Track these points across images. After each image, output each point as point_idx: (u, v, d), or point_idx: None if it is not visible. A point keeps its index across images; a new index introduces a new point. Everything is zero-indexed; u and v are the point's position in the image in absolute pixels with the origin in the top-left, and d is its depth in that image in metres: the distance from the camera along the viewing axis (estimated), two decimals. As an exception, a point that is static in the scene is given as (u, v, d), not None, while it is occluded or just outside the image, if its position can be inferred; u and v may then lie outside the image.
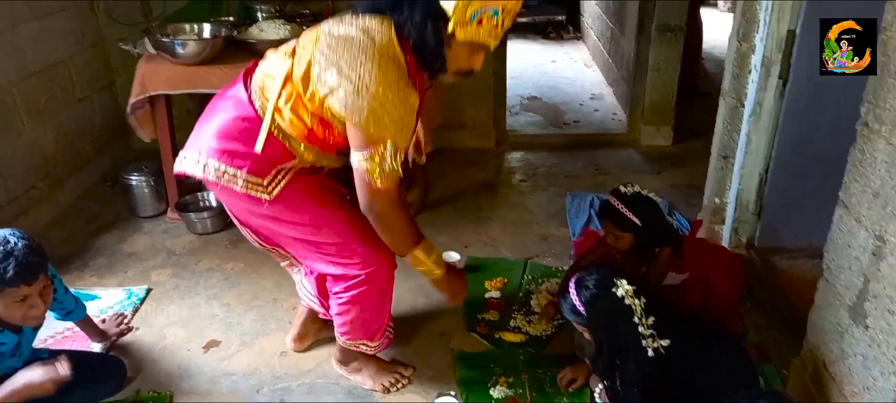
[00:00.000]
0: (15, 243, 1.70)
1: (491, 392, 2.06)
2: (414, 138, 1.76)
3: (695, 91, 4.27)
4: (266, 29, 2.77)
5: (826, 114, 2.21)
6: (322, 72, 1.57)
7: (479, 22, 1.51)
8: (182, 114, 3.18)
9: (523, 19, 6.08)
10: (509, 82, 3.91)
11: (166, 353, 2.30)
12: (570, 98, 4.64)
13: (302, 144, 1.71)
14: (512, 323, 2.38)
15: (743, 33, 2.36)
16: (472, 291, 2.55)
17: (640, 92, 3.73)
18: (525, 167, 3.64)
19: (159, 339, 2.37)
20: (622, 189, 2.18)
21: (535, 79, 5.00)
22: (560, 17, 6.15)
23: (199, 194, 3.14)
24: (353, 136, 1.61)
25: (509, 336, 2.32)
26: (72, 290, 2.19)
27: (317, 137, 1.71)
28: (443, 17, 1.52)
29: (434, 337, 2.34)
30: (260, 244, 1.99)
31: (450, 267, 1.97)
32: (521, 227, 3.02)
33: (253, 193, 1.72)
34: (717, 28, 5.25)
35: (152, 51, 2.72)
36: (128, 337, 2.38)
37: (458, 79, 1.69)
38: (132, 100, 2.78)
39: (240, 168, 1.70)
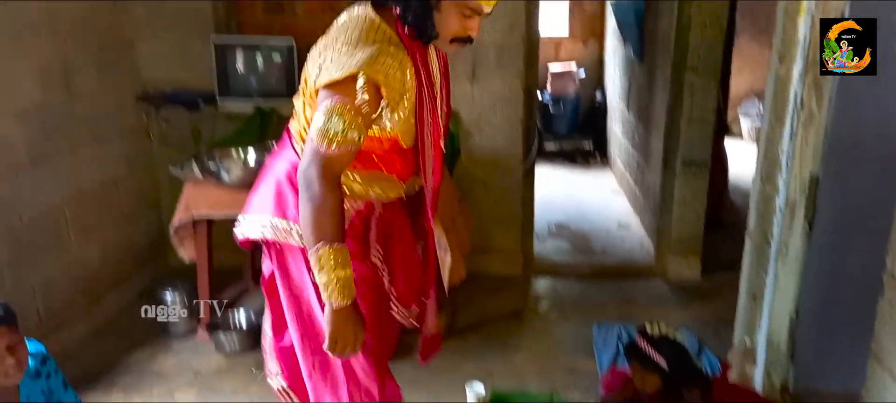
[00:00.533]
0: None
1: None
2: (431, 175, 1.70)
3: (722, 223, 4.29)
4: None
5: (854, 257, 2.22)
6: (312, 65, 1.55)
7: None
8: (221, 233, 3.30)
9: (552, 147, 6.26)
10: (537, 208, 3.99)
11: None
12: (597, 226, 4.69)
13: None
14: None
15: (766, 175, 2.41)
16: (497, 424, 2.53)
17: (666, 223, 3.77)
18: (552, 295, 3.65)
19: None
20: (649, 329, 2.18)
21: (563, 205, 5.08)
22: (588, 146, 6.32)
23: (229, 313, 3.20)
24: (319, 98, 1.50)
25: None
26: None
27: None
28: None
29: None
30: None
31: (357, 308, 1.57)
32: (547, 358, 2.99)
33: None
34: (742, 159, 5.33)
35: (199, 176, 2.87)
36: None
37: (458, 47, 1.58)
38: (176, 221, 2.91)
39: (294, 220, 1.62)
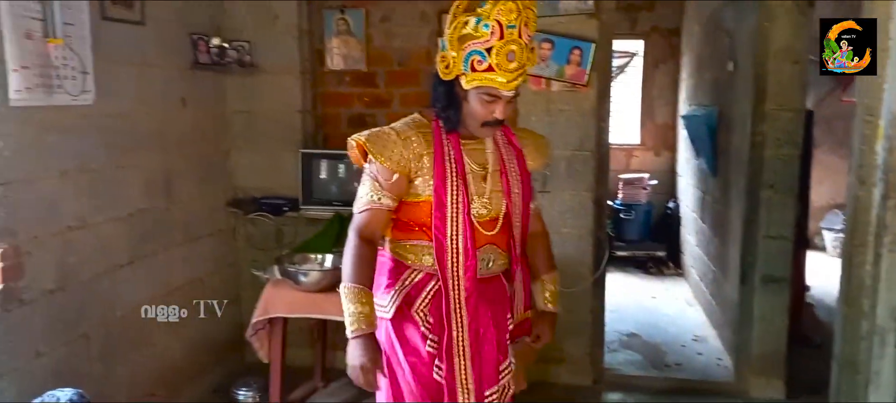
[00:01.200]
0: None
1: None
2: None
3: (807, 341, 4.08)
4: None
5: (953, 391, 2.08)
6: None
7: (472, 67, 1.74)
8: (295, 332, 3.40)
9: (623, 254, 6.19)
10: (608, 316, 3.91)
11: None
12: (671, 338, 4.54)
13: (389, 240, 1.96)
14: None
15: (850, 298, 2.32)
16: None
17: (746, 340, 3.63)
18: (626, 412, 3.52)
19: None
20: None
21: (635, 315, 4.97)
22: (660, 253, 6.21)
23: (298, 413, 3.25)
24: None
25: None
26: None
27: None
28: (456, 80, 1.79)
29: None
30: None
31: (371, 340, 1.80)
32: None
33: (381, 315, 1.89)
34: (826, 274, 5.10)
35: (278, 277, 3.02)
36: None
37: (489, 132, 1.89)
38: (254, 320, 3.04)
39: (380, 298, 1.92)
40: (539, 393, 3.50)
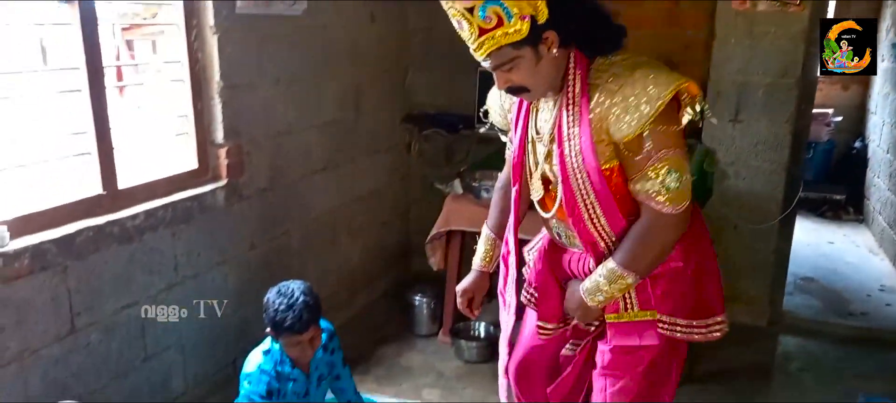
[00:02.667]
0: (297, 298, 2.09)
1: None
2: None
3: None
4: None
5: None
6: None
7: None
8: (466, 248, 3.51)
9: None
10: (782, 259, 3.69)
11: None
12: (854, 285, 4.21)
13: None
14: None
15: None
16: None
17: (952, 295, 3.28)
18: (804, 356, 3.34)
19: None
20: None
21: (811, 259, 4.64)
22: (839, 197, 5.70)
23: (471, 322, 3.38)
24: None
25: None
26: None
27: None
28: None
29: None
30: None
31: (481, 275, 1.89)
32: (804, 426, 2.76)
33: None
34: None
35: (460, 191, 3.09)
36: (401, 446, 2.60)
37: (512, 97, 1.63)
38: (435, 230, 3.16)
39: None
40: (710, 329, 3.40)
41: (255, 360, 2.16)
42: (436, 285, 3.44)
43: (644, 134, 1.40)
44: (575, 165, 1.49)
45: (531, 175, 1.65)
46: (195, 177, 2.48)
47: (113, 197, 2.14)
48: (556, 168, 1.54)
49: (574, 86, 1.45)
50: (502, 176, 1.90)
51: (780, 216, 3.35)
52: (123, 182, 2.18)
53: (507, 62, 1.41)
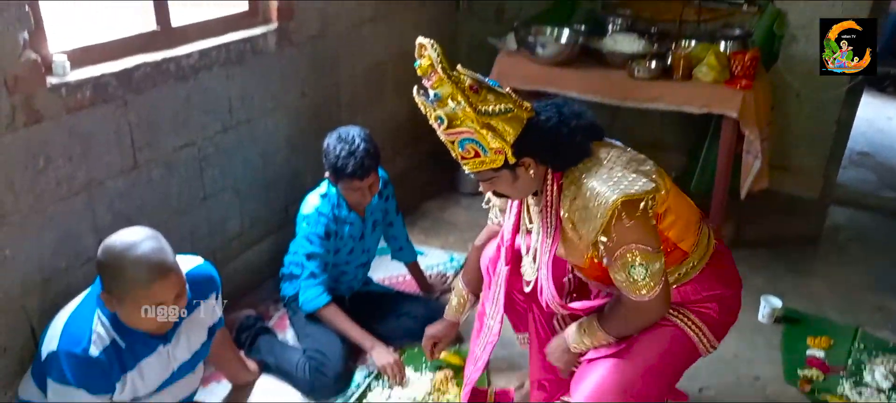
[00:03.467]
0: (358, 144, 2.08)
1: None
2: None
3: None
4: (620, 41, 2.87)
5: None
6: None
7: None
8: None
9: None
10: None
11: (482, 320, 2.52)
12: (911, 162, 4.09)
13: None
14: (839, 390, 2.20)
15: None
16: (791, 343, 2.42)
17: None
18: (855, 228, 3.29)
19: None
20: None
21: (867, 133, 4.48)
22: (901, 71, 5.42)
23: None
24: None
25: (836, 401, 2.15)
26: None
27: None
28: None
29: (748, 380, 2.25)
30: None
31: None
32: (850, 290, 2.75)
33: None
34: None
35: (513, 47, 2.98)
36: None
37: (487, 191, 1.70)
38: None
39: None
40: (761, 199, 3.35)
41: (312, 202, 2.19)
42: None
43: (601, 239, 1.45)
44: (542, 262, 1.62)
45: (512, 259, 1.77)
46: (246, 18, 2.42)
47: (167, 34, 2.11)
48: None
49: (550, 194, 1.54)
50: (481, 236, 1.99)
51: (849, 84, 3.17)
52: (176, 20, 2.14)
53: (487, 179, 1.52)
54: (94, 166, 1.88)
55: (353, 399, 2.08)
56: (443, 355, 2.27)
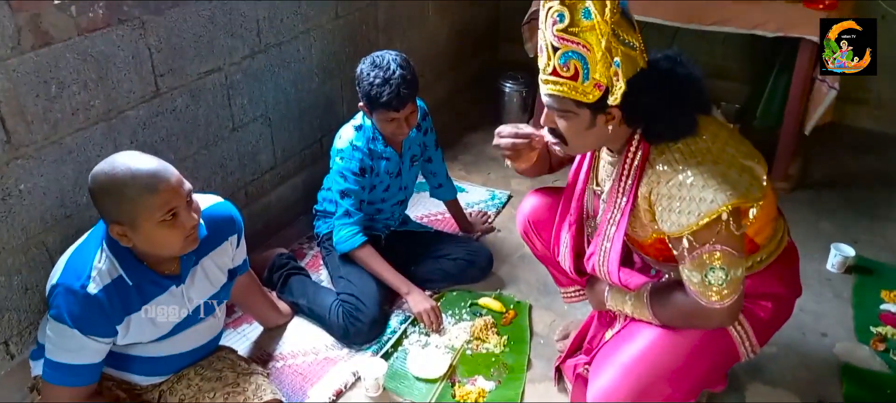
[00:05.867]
0: (394, 71, 1.89)
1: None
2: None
3: None
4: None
5: None
6: None
7: None
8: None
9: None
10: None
11: (525, 263, 2.37)
12: None
13: None
14: (917, 349, 2.01)
15: None
16: (863, 297, 2.21)
17: None
18: (935, 166, 3.01)
19: (518, 248, 2.44)
20: None
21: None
22: None
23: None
24: None
25: (915, 363, 1.97)
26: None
27: None
28: None
29: (815, 337, 2.07)
30: None
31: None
32: (933, 239, 2.51)
33: None
34: None
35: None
36: (489, 237, 2.52)
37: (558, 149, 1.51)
38: (532, 8, 2.86)
39: None
40: (832, 135, 3.08)
41: (346, 136, 2.03)
42: (526, 72, 3.19)
43: (685, 236, 1.28)
44: (608, 233, 1.44)
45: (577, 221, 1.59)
46: (275, -70, 2.21)
47: (187, -53, 1.92)
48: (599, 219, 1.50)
49: (631, 163, 1.35)
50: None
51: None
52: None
53: (561, 111, 1.31)
54: (113, 94, 1.75)
55: (388, 346, 1.97)
56: (482, 301, 2.14)
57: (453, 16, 3.38)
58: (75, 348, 1.38)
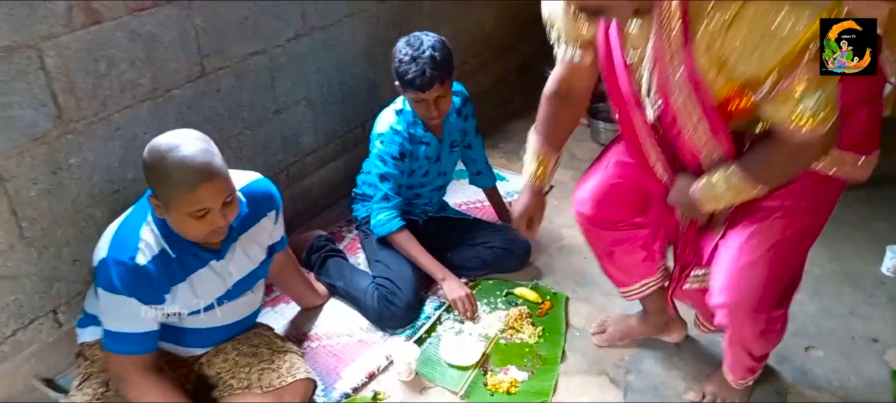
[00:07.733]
0: (423, 50, 1.87)
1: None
2: None
3: None
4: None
5: None
6: None
7: None
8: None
9: None
10: None
11: (563, 254, 2.34)
12: None
13: None
14: (980, 362, 1.90)
15: None
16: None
17: None
18: None
19: (557, 239, 2.43)
20: None
21: None
22: None
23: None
24: None
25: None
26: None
27: None
28: None
29: (865, 342, 1.98)
30: None
31: None
32: None
33: None
34: None
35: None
36: (529, 226, 2.49)
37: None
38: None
39: None
40: (885, 129, 2.92)
41: (386, 120, 2.04)
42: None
43: (767, 77, 1.16)
44: (681, 93, 1.29)
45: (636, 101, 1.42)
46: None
47: (235, -71, 1.95)
48: (657, 94, 1.35)
49: (667, 12, 1.21)
50: (552, 81, 1.61)
51: None
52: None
53: None
54: (160, 73, 1.79)
55: (422, 332, 1.98)
56: (518, 290, 2.12)
57: (500, 4, 3.34)
58: (129, 315, 1.43)
